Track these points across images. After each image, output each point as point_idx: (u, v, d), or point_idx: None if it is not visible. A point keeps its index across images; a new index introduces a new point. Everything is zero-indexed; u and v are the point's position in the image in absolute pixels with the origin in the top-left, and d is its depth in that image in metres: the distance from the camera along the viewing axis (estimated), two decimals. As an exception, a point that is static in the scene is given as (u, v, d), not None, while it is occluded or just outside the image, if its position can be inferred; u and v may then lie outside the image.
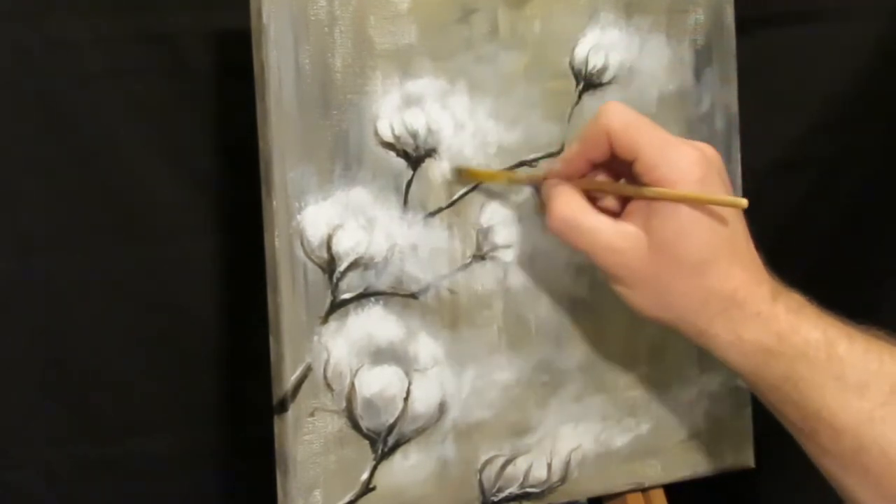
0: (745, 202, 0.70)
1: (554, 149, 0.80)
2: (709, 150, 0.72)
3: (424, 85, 0.76)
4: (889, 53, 0.99)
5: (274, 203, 0.73)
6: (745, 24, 0.91)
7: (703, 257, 0.71)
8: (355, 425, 0.75)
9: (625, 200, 0.73)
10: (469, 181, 0.77)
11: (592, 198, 0.74)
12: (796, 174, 1.00)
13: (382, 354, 0.76)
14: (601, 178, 0.74)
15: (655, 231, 0.71)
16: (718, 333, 0.72)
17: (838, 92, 0.99)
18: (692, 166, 0.70)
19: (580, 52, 0.81)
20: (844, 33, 0.99)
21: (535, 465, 0.80)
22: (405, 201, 0.76)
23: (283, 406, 0.73)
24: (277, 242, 0.73)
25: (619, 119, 0.72)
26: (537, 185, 0.77)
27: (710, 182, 0.71)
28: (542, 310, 0.80)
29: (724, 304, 0.71)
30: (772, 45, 0.98)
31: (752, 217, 0.89)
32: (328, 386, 0.74)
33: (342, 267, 0.75)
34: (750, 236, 0.74)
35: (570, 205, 0.73)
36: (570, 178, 0.74)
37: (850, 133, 1.00)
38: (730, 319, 0.71)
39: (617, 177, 0.74)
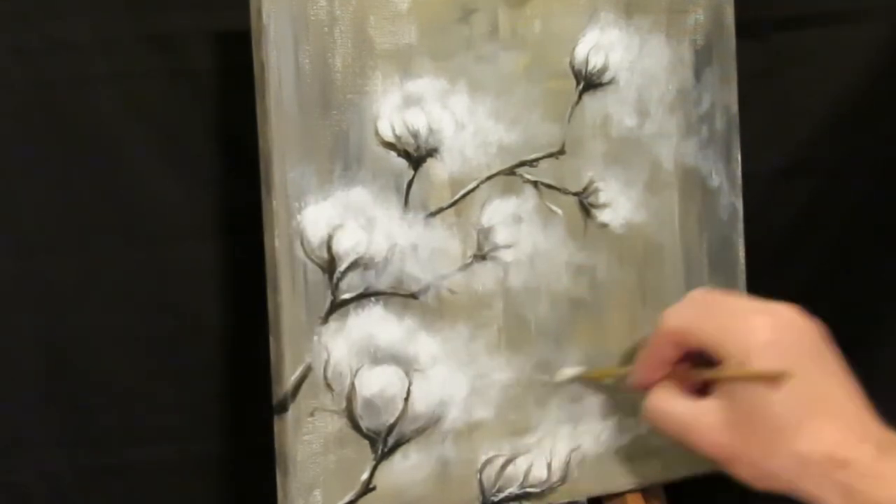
0: (781, 375, 0.67)
1: (554, 149, 0.80)
2: (785, 313, 0.70)
3: (425, 85, 0.76)
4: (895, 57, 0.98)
5: (274, 203, 0.73)
6: (751, 27, 0.91)
7: (785, 423, 0.68)
8: (355, 425, 0.75)
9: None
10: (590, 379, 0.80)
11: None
12: (802, 178, 1.00)
13: (382, 354, 0.76)
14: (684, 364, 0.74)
15: (737, 403, 0.69)
16: (829, 498, 0.67)
17: (844, 95, 0.99)
18: (753, 335, 0.69)
19: (580, 52, 0.81)
20: (850, 36, 0.98)
21: (535, 465, 0.80)
22: (406, 201, 0.76)
23: (283, 406, 0.73)
24: (277, 242, 0.73)
25: (675, 322, 0.72)
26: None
27: (783, 346, 0.69)
28: (542, 310, 0.80)
29: (822, 467, 0.67)
30: (776, 49, 0.98)
31: (757, 222, 0.89)
32: (328, 386, 0.74)
33: (342, 267, 0.75)
34: (855, 390, 0.70)
35: (658, 393, 0.73)
36: (651, 382, 0.74)
37: (856, 137, 0.99)
38: (836, 483, 0.67)
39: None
